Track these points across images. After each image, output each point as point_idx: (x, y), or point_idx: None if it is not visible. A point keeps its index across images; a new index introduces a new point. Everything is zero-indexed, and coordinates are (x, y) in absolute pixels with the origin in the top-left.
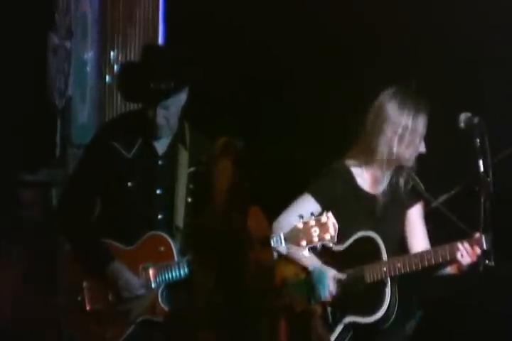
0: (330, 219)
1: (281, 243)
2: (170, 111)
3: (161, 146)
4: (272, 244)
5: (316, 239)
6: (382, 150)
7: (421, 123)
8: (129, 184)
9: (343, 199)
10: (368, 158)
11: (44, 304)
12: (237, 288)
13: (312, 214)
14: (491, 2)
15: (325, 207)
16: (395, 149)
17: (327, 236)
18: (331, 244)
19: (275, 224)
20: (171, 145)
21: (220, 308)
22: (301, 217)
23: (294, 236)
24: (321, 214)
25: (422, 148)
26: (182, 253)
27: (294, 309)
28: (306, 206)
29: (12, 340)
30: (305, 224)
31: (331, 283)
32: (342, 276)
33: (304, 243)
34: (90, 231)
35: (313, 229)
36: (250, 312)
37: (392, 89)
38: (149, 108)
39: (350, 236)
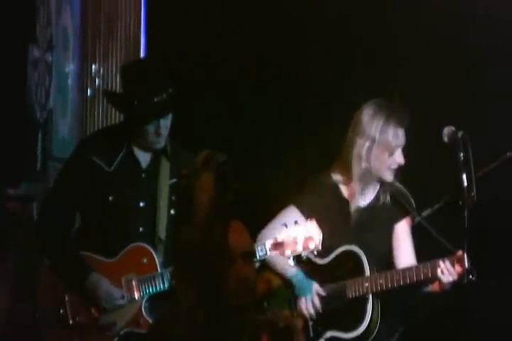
0: (314, 228)
1: (266, 252)
2: (169, 121)
3: (144, 159)
4: (257, 253)
5: (300, 248)
6: (355, 162)
7: (390, 136)
8: (110, 198)
9: (328, 212)
10: (348, 171)
11: (26, 318)
12: (219, 303)
13: (296, 222)
14: (476, 16)
15: (309, 220)
16: (364, 163)
17: (311, 245)
18: (315, 253)
19: (260, 237)
20: (153, 158)
21: (201, 323)
22: (286, 225)
23: (278, 245)
24: (304, 223)
25: (400, 160)
26: (165, 264)
27: (276, 324)
28: (291, 218)
29: None
30: (290, 233)
31: (315, 297)
32: (324, 291)
33: (288, 252)
34: (68, 244)
35: (298, 239)
36: (232, 327)
37: (372, 101)
38: (151, 122)
39: (334, 250)
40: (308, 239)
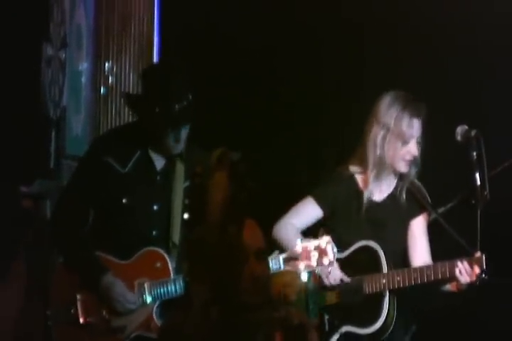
0: (329, 244)
1: (279, 266)
2: (188, 127)
3: (159, 161)
4: (271, 266)
5: (314, 264)
6: (370, 149)
7: (404, 125)
8: (124, 200)
9: (346, 205)
10: (364, 160)
11: (36, 316)
12: (233, 302)
13: (311, 237)
14: (490, 12)
15: (327, 212)
16: (378, 150)
17: (325, 261)
18: (329, 269)
19: (276, 227)
20: (168, 160)
21: (215, 322)
22: (301, 239)
23: (292, 259)
24: (320, 238)
25: (414, 151)
26: (178, 270)
27: (290, 322)
28: (308, 209)
29: None
30: (304, 247)
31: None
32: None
33: (302, 266)
34: (83, 243)
35: (312, 254)
36: (246, 326)
37: (391, 91)
38: (172, 131)
39: (351, 244)
40: (322, 255)
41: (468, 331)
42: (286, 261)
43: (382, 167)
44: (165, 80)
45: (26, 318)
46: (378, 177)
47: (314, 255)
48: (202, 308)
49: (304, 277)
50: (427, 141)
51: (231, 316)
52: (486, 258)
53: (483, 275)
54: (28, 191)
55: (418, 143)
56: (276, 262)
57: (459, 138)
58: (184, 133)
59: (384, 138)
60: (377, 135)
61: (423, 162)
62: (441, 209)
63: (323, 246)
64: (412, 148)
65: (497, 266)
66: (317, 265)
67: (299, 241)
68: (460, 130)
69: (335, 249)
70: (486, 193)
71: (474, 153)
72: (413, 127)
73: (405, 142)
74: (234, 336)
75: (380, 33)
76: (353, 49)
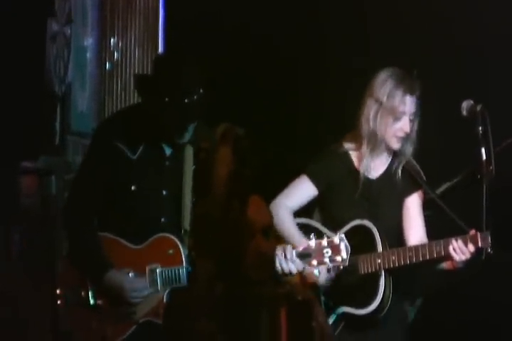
0: (343, 241)
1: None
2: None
3: (168, 147)
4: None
5: (327, 260)
6: (363, 123)
7: (396, 101)
8: (133, 187)
9: (340, 182)
10: (358, 135)
11: (43, 297)
12: (238, 277)
13: (326, 233)
14: None
15: (321, 190)
16: (371, 124)
17: (338, 258)
18: (341, 267)
19: (272, 205)
20: (178, 145)
21: (220, 296)
22: (314, 235)
23: (305, 255)
24: (334, 235)
25: (406, 128)
26: (190, 257)
27: (294, 297)
28: (303, 188)
29: (9, 332)
30: (318, 244)
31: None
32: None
33: (314, 262)
34: (92, 236)
35: (325, 250)
36: (251, 301)
37: (388, 67)
38: (178, 127)
39: (345, 222)
40: (336, 252)
41: (474, 308)
42: (299, 255)
43: (376, 141)
44: (176, 70)
45: (31, 297)
46: (372, 152)
47: (327, 252)
48: (207, 282)
49: (316, 273)
50: (432, 117)
51: (236, 290)
52: (490, 234)
53: (489, 250)
54: (33, 167)
55: (411, 120)
56: (290, 256)
57: (464, 112)
58: (192, 126)
59: (376, 112)
60: (370, 109)
61: (428, 137)
62: (446, 185)
63: (336, 243)
64: (405, 125)
65: (503, 242)
66: (330, 262)
67: (312, 236)
68: (466, 105)
69: (348, 247)
70: (491, 168)
71: (480, 128)
72: (406, 104)
73: (397, 118)
74: (238, 310)
75: (385, 6)
76: (357, 22)
